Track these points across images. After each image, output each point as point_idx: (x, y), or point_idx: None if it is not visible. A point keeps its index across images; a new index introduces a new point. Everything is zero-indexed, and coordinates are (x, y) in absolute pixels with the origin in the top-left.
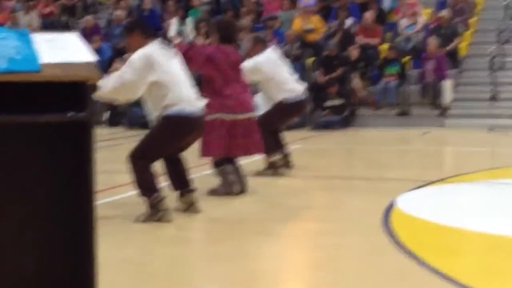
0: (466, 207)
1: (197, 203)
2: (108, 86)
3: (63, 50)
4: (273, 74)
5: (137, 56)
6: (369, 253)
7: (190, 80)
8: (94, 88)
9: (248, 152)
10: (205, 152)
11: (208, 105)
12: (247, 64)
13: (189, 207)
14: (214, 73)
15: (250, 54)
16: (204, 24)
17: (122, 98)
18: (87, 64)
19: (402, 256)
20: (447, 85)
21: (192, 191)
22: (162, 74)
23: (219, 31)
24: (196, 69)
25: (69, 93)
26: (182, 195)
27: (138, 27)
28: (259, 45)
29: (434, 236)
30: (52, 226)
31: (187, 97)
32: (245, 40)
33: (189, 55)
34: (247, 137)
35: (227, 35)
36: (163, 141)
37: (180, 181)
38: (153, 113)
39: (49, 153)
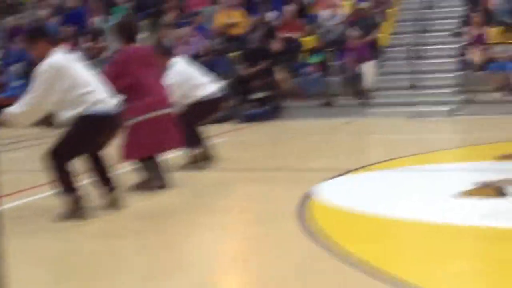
0: (383, 194)
1: (121, 199)
2: (23, 110)
3: None
4: (189, 82)
5: (43, 69)
6: (284, 241)
7: (100, 80)
8: None
9: (169, 147)
10: (135, 154)
11: (129, 109)
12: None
13: (113, 203)
14: (128, 80)
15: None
16: None
17: (40, 114)
18: None
19: (314, 243)
20: (368, 67)
21: (115, 187)
22: (72, 79)
23: (124, 33)
24: (117, 88)
25: None
26: (105, 191)
27: (41, 35)
28: (164, 57)
29: (348, 223)
30: None
31: (100, 96)
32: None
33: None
34: (167, 132)
35: (132, 35)
36: (79, 140)
37: (102, 178)
38: (66, 113)
39: None
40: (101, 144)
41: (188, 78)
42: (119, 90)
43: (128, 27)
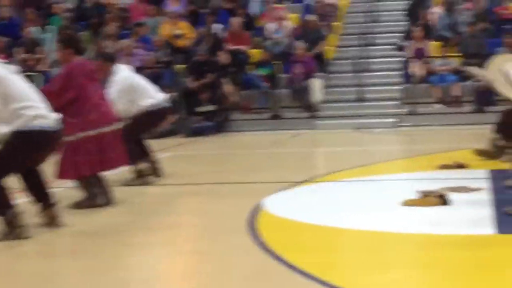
0: (330, 205)
1: (59, 216)
2: None
3: None
4: (134, 91)
5: None
6: (233, 255)
7: (39, 95)
8: None
9: (114, 165)
10: (76, 173)
11: (71, 125)
12: (112, 93)
13: (52, 221)
14: (72, 93)
15: (99, 74)
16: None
17: None
18: None
19: (263, 255)
20: (316, 83)
21: (53, 204)
22: (9, 90)
23: (71, 44)
24: (57, 104)
25: None
26: (43, 209)
27: None
28: (107, 64)
29: (296, 234)
30: None
31: (39, 112)
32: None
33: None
34: (112, 150)
35: (79, 47)
36: (16, 156)
37: (40, 195)
38: (2, 128)
39: None
40: (39, 160)
41: (132, 86)
42: (63, 104)
43: (73, 39)
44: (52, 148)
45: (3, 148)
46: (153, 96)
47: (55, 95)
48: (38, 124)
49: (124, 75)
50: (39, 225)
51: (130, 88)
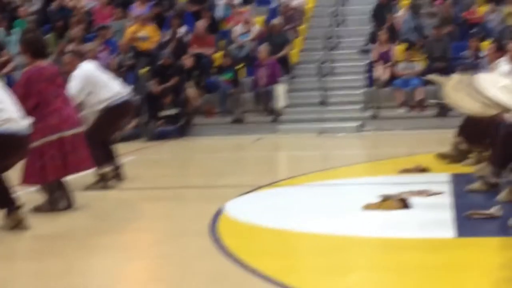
0: (291, 209)
1: (25, 220)
2: None
3: None
4: (94, 83)
5: None
6: (194, 259)
7: (12, 99)
8: None
9: (78, 169)
10: (41, 179)
11: (36, 130)
12: (72, 87)
13: (17, 225)
14: (33, 100)
15: (67, 68)
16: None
17: None
18: None
19: (224, 259)
20: (280, 89)
21: (18, 208)
22: None
23: (30, 48)
24: (25, 108)
25: None
26: (8, 213)
27: None
28: (76, 59)
29: (257, 238)
30: None
31: (11, 116)
32: (65, 56)
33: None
34: (75, 153)
35: (39, 50)
36: None
37: (5, 199)
38: None
39: None
40: (8, 166)
41: (91, 78)
42: (27, 110)
43: (36, 42)
44: (22, 154)
45: None
46: (113, 88)
47: (19, 103)
48: (11, 128)
49: (84, 68)
50: (4, 229)
51: (89, 79)
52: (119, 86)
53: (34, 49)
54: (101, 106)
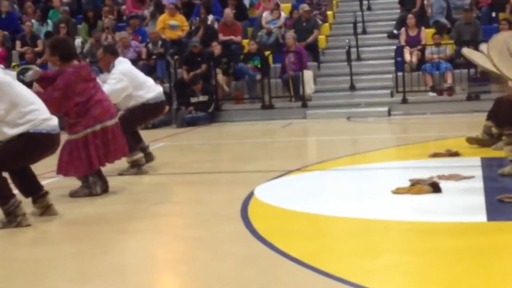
0: (321, 193)
1: (53, 205)
2: None
3: None
4: (131, 80)
5: None
6: (225, 242)
7: (39, 99)
8: None
9: (117, 157)
10: (89, 169)
11: (76, 124)
12: (111, 87)
13: (45, 211)
14: (74, 100)
15: (101, 65)
16: (64, 25)
17: None
18: None
19: (255, 242)
20: (309, 75)
21: (45, 194)
22: (15, 96)
23: (57, 51)
24: (59, 111)
25: None
26: (35, 200)
27: None
28: (109, 56)
29: (287, 222)
30: None
31: (46, 116)
32: (98, 51)
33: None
34: (115, 142)
35: (67, 53)
36: (20, 156)
37: (31, 186)
38: (8, 131)
39: None
40: (37, 160)
41: (132, 79)
42: (68, 108)
43: (63, 45)
44: (54, 151)
45: (8, 146)
46: (150, 89)
47: (57, 105)
48: (44, 128)
49: (122, 68)
50: (34, 215)
51: (129, 81)
52: (154, 86)
53: (62, 52)
54: (138, 102)
